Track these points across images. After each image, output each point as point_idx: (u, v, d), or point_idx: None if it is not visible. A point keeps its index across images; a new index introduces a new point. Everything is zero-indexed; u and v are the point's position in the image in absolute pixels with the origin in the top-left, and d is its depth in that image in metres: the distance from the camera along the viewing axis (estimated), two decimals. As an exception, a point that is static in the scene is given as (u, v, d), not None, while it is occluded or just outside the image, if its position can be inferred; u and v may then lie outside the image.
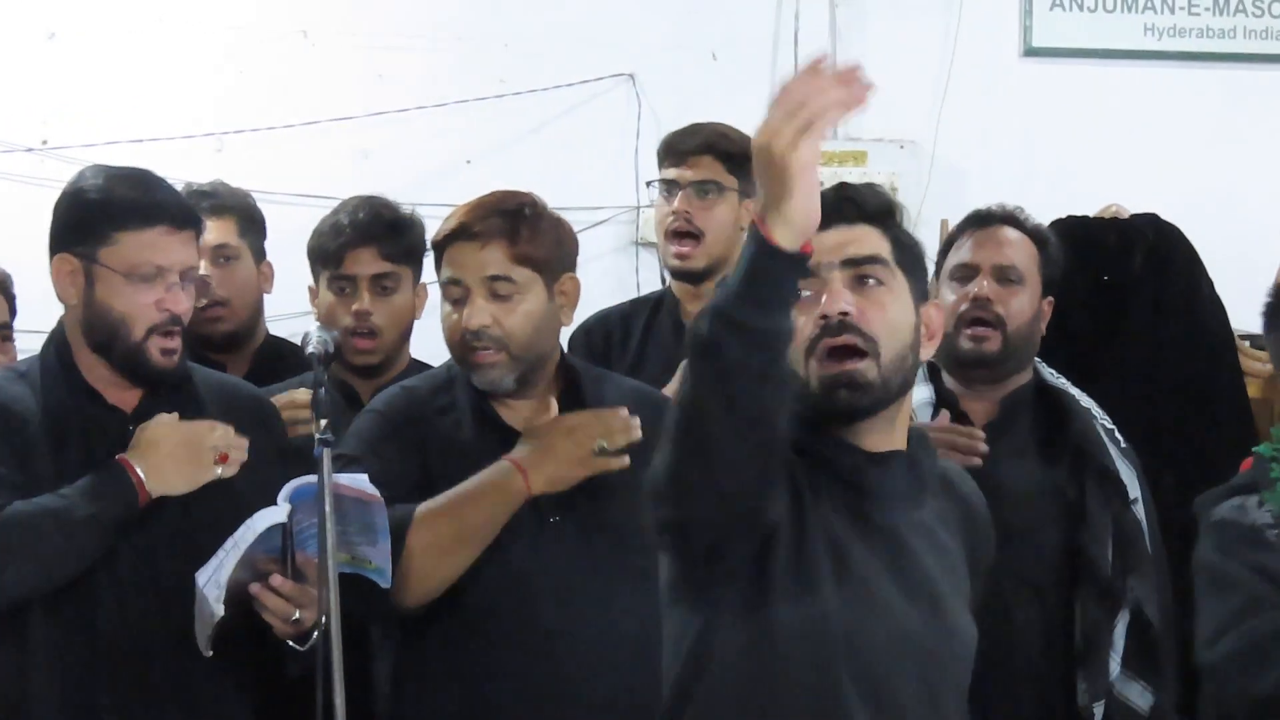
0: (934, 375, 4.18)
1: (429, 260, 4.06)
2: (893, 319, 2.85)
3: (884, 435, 2.89)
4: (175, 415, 3.56)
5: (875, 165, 6.39)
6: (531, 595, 3.57)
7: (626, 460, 3.56)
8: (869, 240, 2.87)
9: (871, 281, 2.85)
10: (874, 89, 2.60)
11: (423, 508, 3.55)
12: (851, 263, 2.85)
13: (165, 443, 3.51)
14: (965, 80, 6.39)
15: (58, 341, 3.66)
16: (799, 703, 2.78)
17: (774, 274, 2.55)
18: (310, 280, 4.40)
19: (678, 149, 4.60)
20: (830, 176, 6.26)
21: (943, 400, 4.14)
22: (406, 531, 3.50)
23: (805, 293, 2.79)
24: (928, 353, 2.94)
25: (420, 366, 4.34)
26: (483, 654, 3.58)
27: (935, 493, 2.97)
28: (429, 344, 4.29)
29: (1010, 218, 4.21)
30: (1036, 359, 4.25)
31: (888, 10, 6.48)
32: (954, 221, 4.77)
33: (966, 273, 4.14)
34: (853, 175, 6.35)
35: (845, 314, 2.81)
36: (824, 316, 2.81)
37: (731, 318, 2.54)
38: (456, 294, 3.66)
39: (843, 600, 2.79)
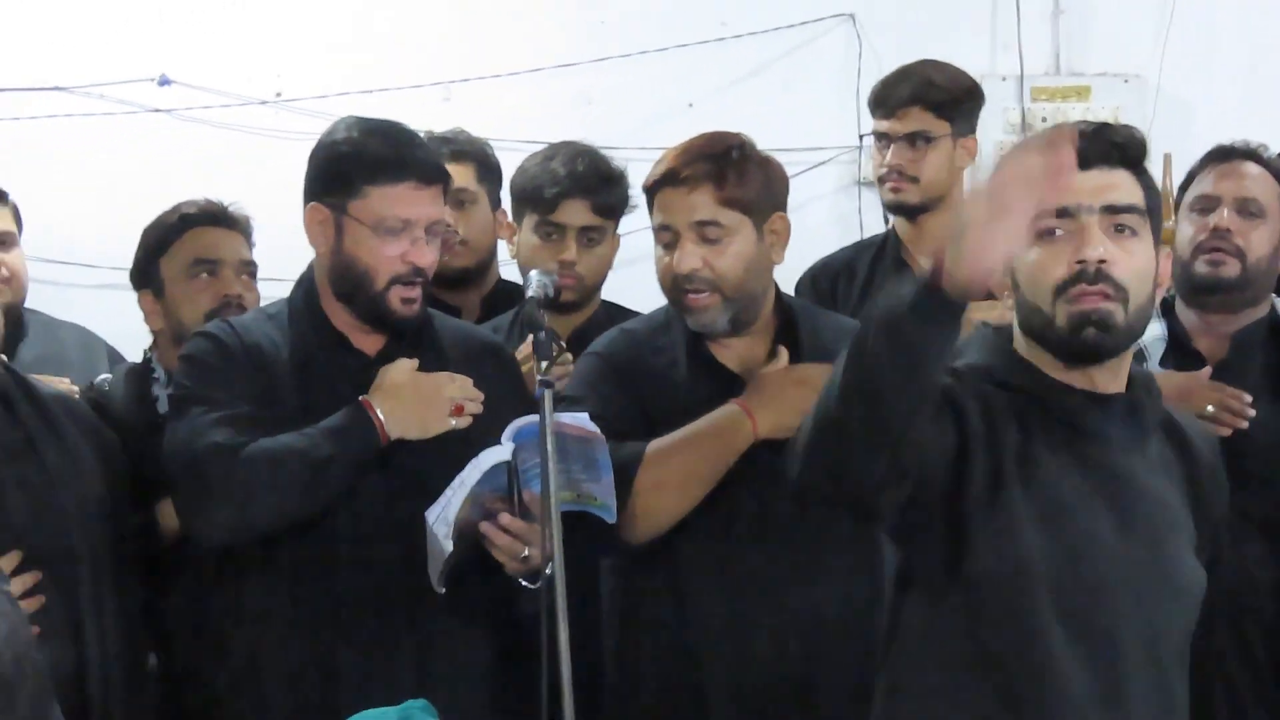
0: (1167, 312, 4.19)
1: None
2: (1141, 268, 2.86)
3: (1110, 377, 2.90)
4: (415, 362, 3.63)
5: (1099, 100, 6.33)
6: (740, 548, 3.64)
7: None
8: (1126, 187, 2.87)
9: (1127, 231, 2.85)
10: (1074, 168, 2.57)
11: (652, 446, 3.61)
12: (1111, 209, 2.85)
13: (405, 388, 3.58)
14: (1189, 11, 6.29)
15: (306, 285, 3.74)
16: (1005, 650, 2.80)
17: (934, 313, 2.56)
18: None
19: (886, 101, 4.64)
20: (1053, 112, 6.26)
21: (1174, 337, 4.14)
22: (636, 469, 3.57)
23: (1056, 232, 2.83)
24: (1155, 298, 2.94)
25: (610, 306, 4.45)
26: (689, 602, 3.65)
27: (1157, 437, 2.97)
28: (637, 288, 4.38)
29: (1253, 153, 4.21)
30: (1274, 295, 4.22)
31: (1111, -58, 6.42)
32: (1178, 157, 4.75)
33: (1207, 204, 4.15)
34: (1076, 110, 6.32)
35: (1104, 261, 2.82)
36: (1080, 262, 2.82)
37: (891, 330, 2.57)
38: (667, 238, 3.72)
39: (1047, 539, 2.81)
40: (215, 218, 4.25)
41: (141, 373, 4.26)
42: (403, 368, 3.61)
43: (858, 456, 2.66)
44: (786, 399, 3.59)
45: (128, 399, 4.14)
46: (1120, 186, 2.87)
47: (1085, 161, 2.79)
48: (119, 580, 3.66)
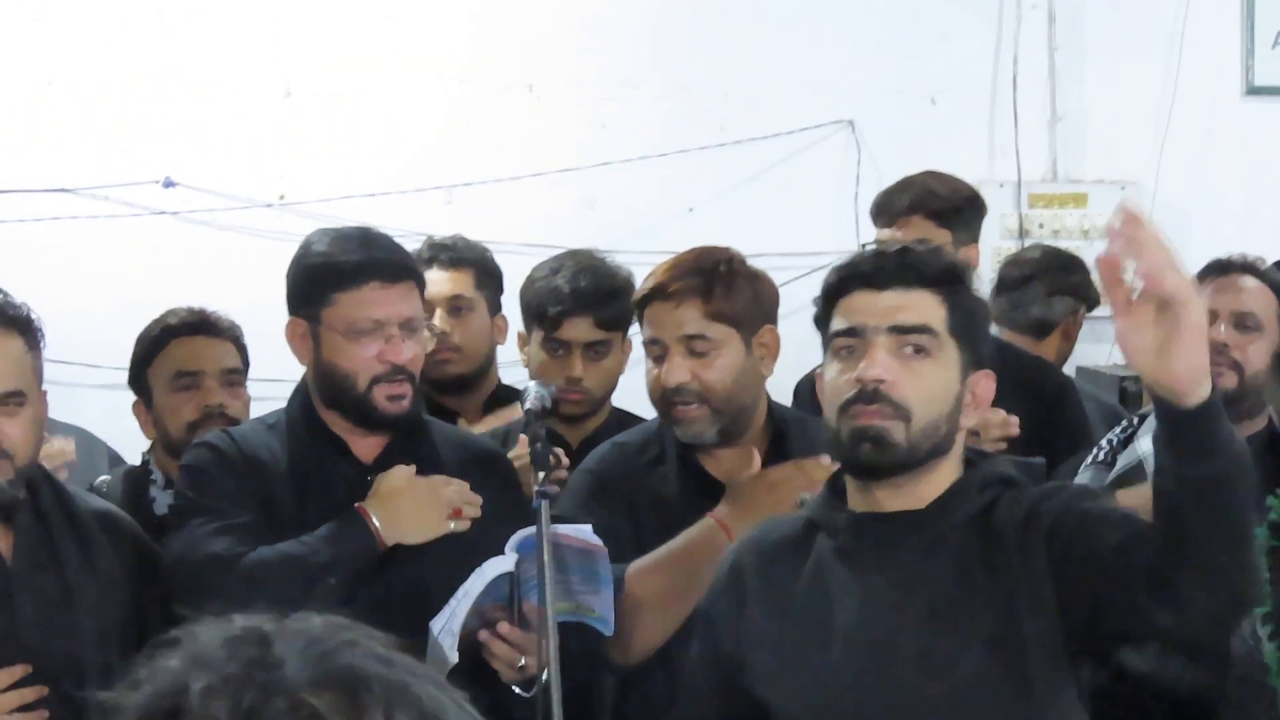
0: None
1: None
2: (930, 389, 2.93)
3: (900, 493, 2.97)
4: (412, 468, 3.66)
5: (1095, 207, 6.39)
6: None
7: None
8: (921, 308, 2.94)
9: (914, 350, 2.92)
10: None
11: (632, 567, 3.63)
12: (898, 330, 2.92)
13: (402, 494, 3.61)
14: (1186, 120, 6.37)
15: (302, 394, 3.79)
16: None
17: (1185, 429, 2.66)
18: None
19: (888, 209, 4.68)
20: (1050, 218, 6.31)
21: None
22: (620, 589, 3.59)
23: (843, 351, 2.94)
24: (969, 421, 3.01)
25: (620, 414, 4.46)
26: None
27: (964, 541, 2.97)
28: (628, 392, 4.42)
29: (1250, 266, 4.24)
30: (1271, 409, 4.25)
31: (1107, 52, 6.48)
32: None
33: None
34: (1073, 217, 6.38)
35: (881, 381, 2.89)
36: (860, 380, 2.90)
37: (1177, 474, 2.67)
38: (656, 352, 3.76)
39: (783, 679, 2.96)
40: (196, 327, 4.29)
41: (139, 475, 4.31)
42: (400, 474, 3.64)
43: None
44: (760, 505, 3.61)
45: (124, 501, 4.16)
46: (914, 307, 2.94)
47: (884, 283, 2.91)
48: None
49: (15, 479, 3.56)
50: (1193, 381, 2.62)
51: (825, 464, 3.63)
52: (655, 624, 3.64)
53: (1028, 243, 6.31)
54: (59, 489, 3.74)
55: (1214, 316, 4.15)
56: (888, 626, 2.94)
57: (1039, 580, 2.89)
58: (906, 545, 2.97)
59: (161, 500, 4.20)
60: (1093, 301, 5.47)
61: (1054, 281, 5.42)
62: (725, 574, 3.13)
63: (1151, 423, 4.09)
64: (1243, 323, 4.14)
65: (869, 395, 2.90)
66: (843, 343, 2.94)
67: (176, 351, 4.26)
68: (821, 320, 3.03)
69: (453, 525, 3.61)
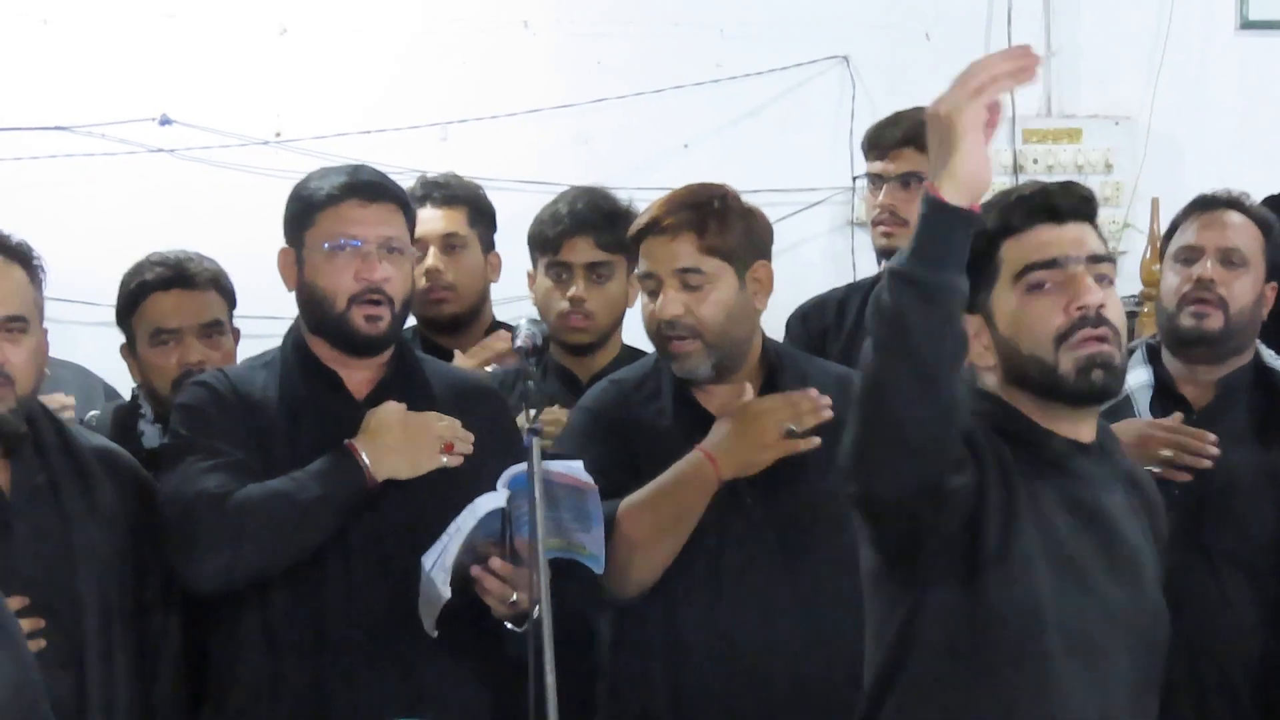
0: (1153, 358, 4.23)
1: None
2: (1121, 314, 2.99)
3: (1088, 426, 3.01)
4: (403, 404, 3.68)
5: (1090, 141, 6.40)
6: (720, 576, 3.70)
7: (816, 441, 3.67)
8: (1096, 239, 3.00)
9: (1106, 280, 2.97)
10: (1042, 62, 2.75)
11: (624, 503, 3.68)
12: (1095, 259, 2.97)
13: (393, 429, 3.64)
14: (1180, 54, 6.36)
15: (295, 332, 3.82)
16: (1013, 681, 2.87)
17: (944, 230, 2.66)
18: (527, 269, 4.56)
19: (880, 143, 4.68)
20: (1044, 153, 6.32)
21: (1161, 383, 4.19)
22: (611, 529, 3.62)
23: (1046, 284, 2.93)
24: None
25: (631, 351, 4.48)
26: (681, 631, 3.72)
27: (1124, 480, 3.06)
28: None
29: (1235, 202, 4.22)
30: (1258, 341, 4.27)
31: (1101, -14, 6.48)
32: (1166, 200, 4.80)
33: (1190, 254, 4.17)
34: (1067, 152, 6.39)
35: (1102, 306, 2.93)
36: (1081, 308, 2.91)
37: (907, 275, 2.65)
38: (651, 286, 3.80)
39: (1055, 580, 2.89)
40: (172, 281, 4.24)
41: (129, 410, 4.33)
42: (391, 409, 3.67)
43: (909, 416, 2.70)
44: (746, 436, 3.67)
45: (113, 435, 4.17)
46: (1094, 239, 2.99)
47: (1061, 215, 2.94)
48: (138, 629, 3.68)
49: (17, 409, 3.59)
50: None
51: (813, 396, 3.68)
52: (648, 559, 3.68)
53: (1021, 179, 6.33)
54: (58, 424, 3.77)
55: (1200, 253, 4.16)
56: (1119, 545, 2.98)
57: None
58: (1105, 471, 3.03)
59: (151, 434, 4.23)
60: None
61: None
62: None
63: (1139, 356, 4.15)
64: (1228, 259, 4.15)
65: (1094, 320, 2.92)
66: (1040, 276, 2.94)
67: (154, 308, 4.23)
68: (975, 263, 2.87)
69: (445, 460, 3.64)
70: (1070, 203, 2.98)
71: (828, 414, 3.66)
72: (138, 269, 4.30)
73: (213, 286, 4.28)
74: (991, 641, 2.87)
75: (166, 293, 4.23)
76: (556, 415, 4.08)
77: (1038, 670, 2.87)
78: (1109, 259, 3.00)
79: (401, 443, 3.63)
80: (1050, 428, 2.98)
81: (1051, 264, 2.94)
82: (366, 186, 3.74)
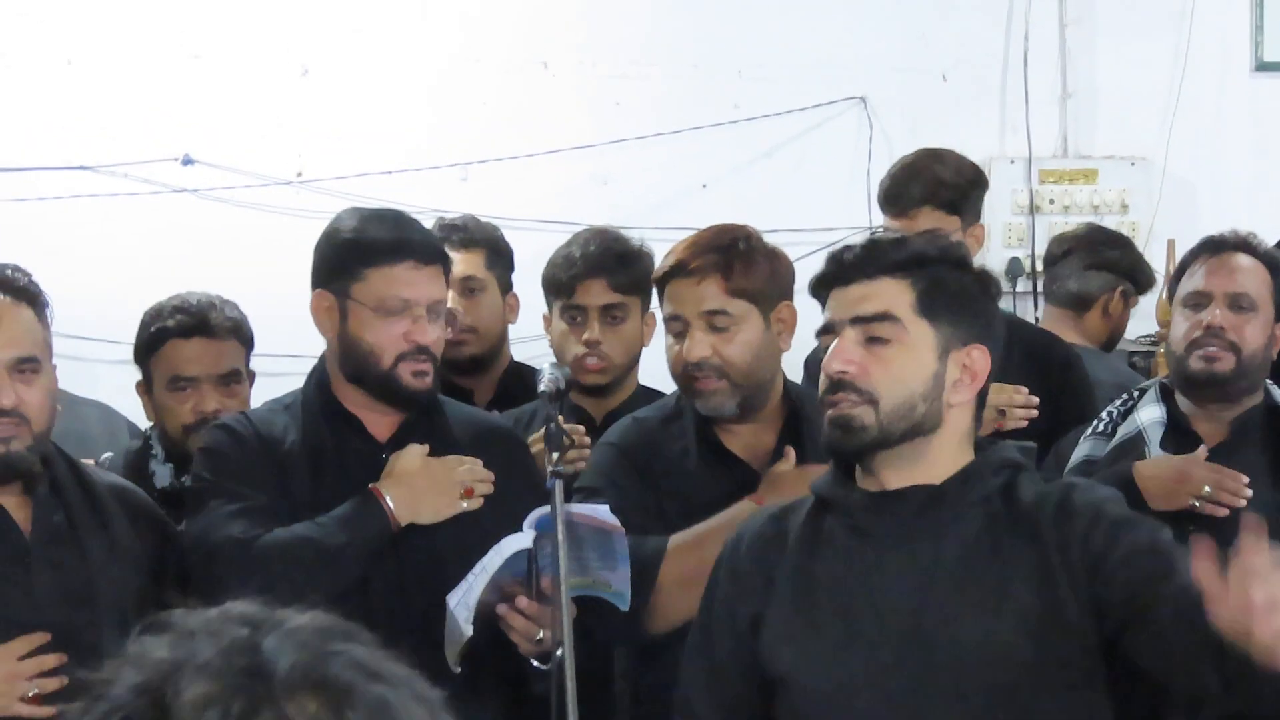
0: (1167, 396, 4.25)
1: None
2: (896, 372, 3.02)
3: (901, 472, 3.05)
4: (426, 447, 3.70)
5: (1105, 182, 6.44)
6: None
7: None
8: (884, 296, 3.02)
9: (876, 339, 3.02)
10: None
11: (673, 542, 3.70)
12: (860, 320, 3.02)
13: (416, 473, 3.66)
14: (1196, 96, 6.41)
15: (318, 375, 3.83)
16: None
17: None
18: (545, 308, 4.58)
19: (897, 201, 4.68)
20: (1060, 194, 6.36)
21: (1174, 420, 4.21)
22: (659, 565, 3.66)
23: (829, 344, 3.05)
24: (961, 395, 3.06)
25: (647, 391, 4.51)
26: None
27: (979, 518, 3.05)
28: (659, 370, 4.46)
29: (1243, 244, 4.21)
30: (1268, 381, 4.28)
31: (1117, 28, 6.51)
32: (1180, 242, 4.82)
33: (1199, 300, 4.18)
34: (1083, 193, 6.42)
35: (843, 373, 3.01)
36: (826, 375, 3.04)
37: None
38: (677, 328, 3.83)
39: (796, 654, 3.04)
40: (192, 329, 4.24)
41: (140, 451, 4.34)
42: (413, 454, 3.69)
43: None
44: (800, 493, 3.69)
45: (126, 477, 4.18)
46: (876, 296, 3.03)
47: (850, 276, 3.03)
48: None
49: (33, 445, 3.61)
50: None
51: None
52: (687, 598, 3.68)
53: (1038, 219, 6.37)
54: (72, 463, 3.79)
55: (1208, 298, 4.17)
56: (924, 601, 3.00)
57: (1078, 571, 2.97)
58: (924, 519, 3.05)
59: (161, 474, 4.25)
60: (1140, 283, 5.48)
61: (1090, 256, 5.42)
62: (742, 553, 3.20)
63: (1152, 395, 4.17)
64: (1237, 303, 4.15)
65: (833, 386, 3.03)
66: (825, 339, 3.09)
67: (173, 355, 4.24)
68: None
69: (465, 505, 3.67)
70: (854, 262, 3.04)
71: None
72: (158, 312, 4.30)
73: (233, 335, 4.28)
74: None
75: (187, 341, 4.24)
76: (583, 441, 4.11)
77: None
78: (883, 318, 3.01)
79: (424, 488, 3.66)
80: (864, 480, 3.09)
81: (828, 328, 3.08)
82: (423, 248, 3.74)
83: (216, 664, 1.33)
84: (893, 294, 3.02)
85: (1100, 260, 5.43)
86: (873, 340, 3.01)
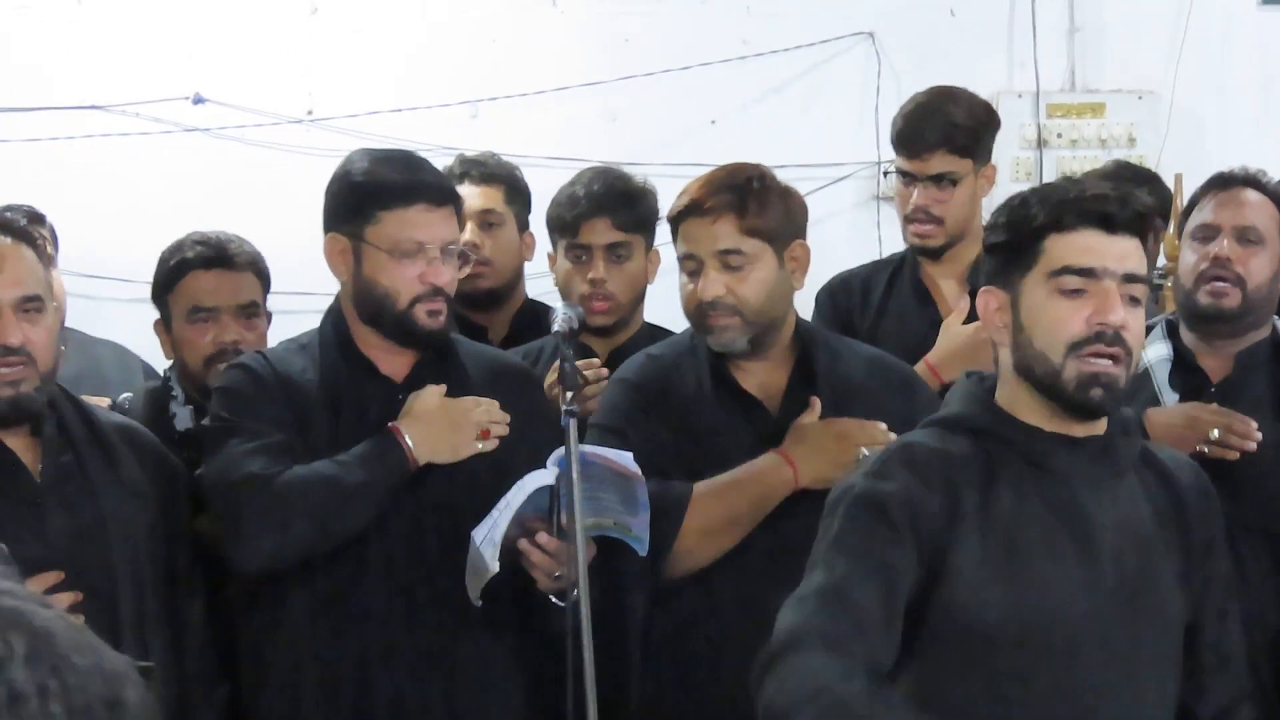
0: (1172, 332, 4.28)
1: (662, 225, 4.26)
2: (1141, 336, 3.05)
3: (1089, 425, 3.05)
4: (443, 388, 3.74)
5: (1113, 116, 6.44)
6: (760, 577, 3.71)
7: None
8: (1139, 257, 3.02)
9: (1137, 301, 3.01)
10: None
11: (699, 489, 3.73)
12: (1130, 278, 3.00)
13: (433, 413, 3.69)
14: (1203, 30, 6.40)
15: (334, 315, 3.85)
16: (969, 703, 2.96)
17: None
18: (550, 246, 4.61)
19: (911, 144, 4.65)
20: (1068, 127, 6.35)
21: (1179, 356, 4.24)
22: (684, 510, 3.70)
23: (1077, 289, 2.97)
24: None
25: (652, 329, 4.53)
26: (707, 622, 3.78)
27: (1135, 473, 3.09)
28: (662, 307, 4.50)
29: (1252, 180, 4.25)
30: (1275, 315, 4.31)
31: (1124, -39, 6.51)
32: (1189, 176, 4.83)
33: (1207, 233, 4.22)
34: (1091, 127, 6.42)
35: (1124, 328, 2.97)
36: (1102, 324, 2.95)
37: None
38: (691, 267, 3.85)
39: (1005, 589, 2.96)
40: (212, 260, 4.28)
41: (160, 392, 4.36)
42: (431, 394, 3.72)
43: None
44: (827, 451, 3.73)
45: (146, 417, 4.23)
46: (1137, 256, 3.02)
47: (1113, 226, 2.97)
48: (169, 601, 3.76)
49: (41, 386, 3.64)
50: None
51: (882, 428, 3.74)
52: (709, 546, 3.74)
53: (1045, 154, 6.39)
54: (77, 403, 3.83)
55: (1216, 231, 4.21)
56: (1097, 545, 3.01)
57: (1198, 567, 3.08)
58: (1097, 468, 3.05)
59: (182, 416, 4.26)
60: (1166, 218, 5.49)
61: None
62: (906, 475, 3.00)
63: (1158, 332, 4.21)
64: (1245, 236, 4.19)
65: (1110, 339, 2.96)
66: (1073, 281, 2.98)
67: (193, 285, 4.27)
68: (1019, 244, 3.03)
69: (481, 445, 3.70)
70: (1125, 215, 3.00)
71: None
72: (178, 246, 4.34)
73: (251, 269, 4.32)
74: (943, 664, 2.96)
75: (207, 271, 4.27)
76: (599, 373, 4.14)
77: (989, 693, 2.95)
78: (1144, 281, 3.03)
79: (442, 428, 3.69)
80: (1038, 422, 3.04)
81: (1088, 272, 2.97)
82: (435, 190, 3.77)
83: None
84: (1142, 257, 3.03)
85: None
86: (1134, 301, 2.99)
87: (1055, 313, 2.99)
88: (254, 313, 4.31)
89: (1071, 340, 2.97)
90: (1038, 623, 2.94)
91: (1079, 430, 3.04)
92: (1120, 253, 2.99)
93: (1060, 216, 3.00)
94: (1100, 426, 3.06)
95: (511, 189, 4.88)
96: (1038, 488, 3.02)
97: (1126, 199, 3.03)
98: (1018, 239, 3.04)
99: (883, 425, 3.74)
